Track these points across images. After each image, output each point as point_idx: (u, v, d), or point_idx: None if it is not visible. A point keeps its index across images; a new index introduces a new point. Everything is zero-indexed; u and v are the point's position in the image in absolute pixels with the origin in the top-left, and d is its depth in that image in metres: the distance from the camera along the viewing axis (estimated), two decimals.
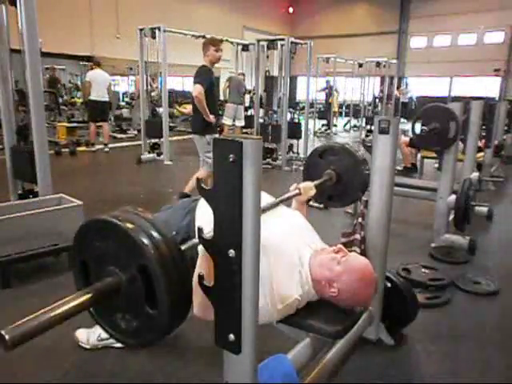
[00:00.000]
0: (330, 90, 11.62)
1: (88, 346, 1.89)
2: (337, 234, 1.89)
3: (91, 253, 0.94)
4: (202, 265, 1.08)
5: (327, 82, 12.06)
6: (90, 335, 1.89)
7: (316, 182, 1.77)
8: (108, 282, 0.87)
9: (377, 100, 12.65)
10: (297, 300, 1.34)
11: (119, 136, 9.44)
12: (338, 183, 1.90)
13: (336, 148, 1.96)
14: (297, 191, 1.69)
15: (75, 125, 9.12)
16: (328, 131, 11.47)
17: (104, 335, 1.87)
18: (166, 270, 0.84)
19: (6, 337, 0.68)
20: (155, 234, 0.86)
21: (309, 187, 1.72)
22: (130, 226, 0.86)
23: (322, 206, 2.07)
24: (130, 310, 0.91)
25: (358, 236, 1.80)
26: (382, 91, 12.63)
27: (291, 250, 1.41)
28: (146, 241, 0.84)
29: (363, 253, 1.77)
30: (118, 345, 1.90)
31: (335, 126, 12.02)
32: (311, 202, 1.79)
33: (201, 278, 0.94)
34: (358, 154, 1.92)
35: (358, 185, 1.89)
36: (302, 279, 1.37)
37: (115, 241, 0.88)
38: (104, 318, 0.96)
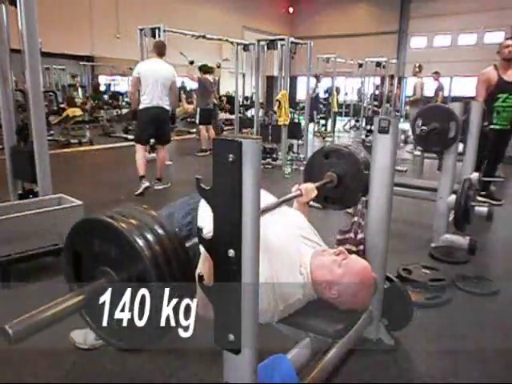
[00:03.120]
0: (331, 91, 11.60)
1: (86, 347, 1.88)
2: (336, 234, 1.89)
3: (85, 251, 0.92)
4: (204, 264, 1.08)
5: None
6: (87, 335, 1.87)
7: (317, 184, 1.77)
8: (101, 283, 0.86)
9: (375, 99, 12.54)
10: (298, 301, 1.35)
11: (123, 135, 9.46)
12: (338, 186, 1.89)
13: (338, 150, 1.94)
14: (298, 192, 1.69)
15: None
16: (328, 131, 11.47)
17: None
18: (162, 276, 0.81)
19: (10, 331, 0.68)
20: (153, 235, 0.83)
21: (310, 189, 1.71)
22: (126, 226, 0.82)
23: (321, 206, 2.06)
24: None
25: (352, 234, 1.80)
26: (377, 88, 12.55)
27: (292, 251, 1.42)
28: (141, 243, 0.80)
29: (358, 251, 1.77)
30: None
31: (334, 126, 12.00)
32: (311, 202, 1.79)
33: (200, 277, 0.94)
34: (361, 157, 1.90)
35: (359, 188, 1.88)
36: (303, 280, 1.38)
37: (110, 241, 0.85)
38: (93, 318, 0.94)
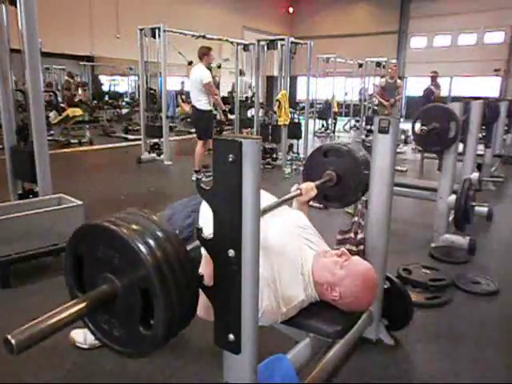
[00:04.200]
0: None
1: (86, 346, 1.88)
2: (336, 234, 1.89)
3: (87, 257, 0.90)
4: (205, 265, 1.08)
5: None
6: (87, 335, 1.88)
7: (317, 183, 1.77)
8: (103, 290, 0.84)
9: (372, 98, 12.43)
10: (300, 302, 1.35)
11: (123, 135, 9.47)
12: (337, 184, 1.89)
13: (337, 148, 1.94)
14: (298, 192, 1.69)
15: None
16: (328, 131, 11.47)
17: None
18: (165, 284, 0.80)
19: (13, 341, 0.67)
20: (155, 241, 0.81)
21: (310, 188, 1.71)
22: (128, 232, 0.81)
23: (321, 206, 2.06)
24: (124, 321, 0.88)
25: (352, 234, 1.80)
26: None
27: (294, 252, 1.42)
28: (144, 249, 0.79)
29: (359, 251, 1.77)
30: None
31: (334, 125, 11.99)
32: (311, 202, 1.79)
33: (200, 277, 0.94)
34: (360, 155, 1.90)
35: (358, 186, 1.88)
36: (304, 281, 1.38)
37: (112, 248, 0.84)
38: (96, 324, 0.93)
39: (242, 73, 7.89)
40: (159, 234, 0.83)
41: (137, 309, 0.83)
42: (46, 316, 0.73)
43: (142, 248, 0.79)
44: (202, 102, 5.28)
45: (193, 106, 5.50)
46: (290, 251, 1.41)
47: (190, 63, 7.22)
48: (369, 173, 1.79)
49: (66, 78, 11.54)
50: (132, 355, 0.90)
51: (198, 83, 5.21)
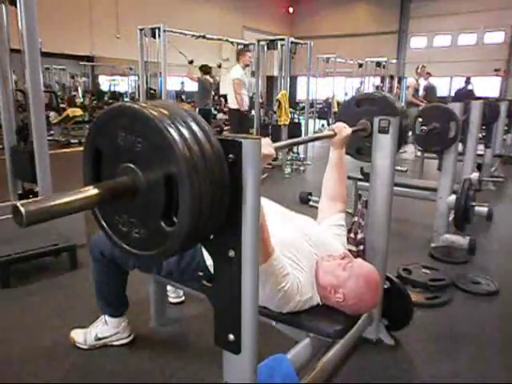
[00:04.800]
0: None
1: (86, 346, 1.88)
2: None
3: (108, 147, 0.80)
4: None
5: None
6: (87, 335, 1.88)
7: (351, 130, 1.71)
8: (123, 180, 0.75)
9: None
10: (309, 299, 1.38)
11: None
12: (371, 135, 1.77)
13: (374, 97, 1.85)
14: (331, 132, 1.66)
15: None
16: None
17: (101, 334, 1.87)
18: (194, 171, 0.71)
19: (23, 210, 0.61)
20: (186, 126, 0.72)
21: (342, 126, 1.67)
22: (157, 114, 0.71)
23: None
24: (144, 218, 0.79)
25: (352, 235, 1.80)
26: (378, 88, 12.51)
27: (308, 250, 1.46)
28: (178, 139, 0.70)
29: (359, 251, 1.77)
30: (116, 343, 1.90)
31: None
32: (312, 203, 1.79)
33: (200, 278, 0.95)
34: (398, 105, 1.81)
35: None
36: (312, 282, 1.41)
37: (137, 132, 0.75)
38: (113, 227, 0.84)
39: (254, 74, 7.80)
40: (190, 119, 0.75)
41: (160, 202, 0.75)
42: (57, 194, 0.68)
43: (172, 130, 0.71)
44: (234, 102, 5.50)
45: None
46: (305, 248, 1.44)
47: (191, 62, 7.23)
48: (408, 124, 1.69)
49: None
50: (152, 257, 0.82)
51: (229, 83, 5.51)
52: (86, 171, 0.84)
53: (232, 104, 5.52)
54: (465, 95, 8.55)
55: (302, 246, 1.45)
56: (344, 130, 1.67)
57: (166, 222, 0.76)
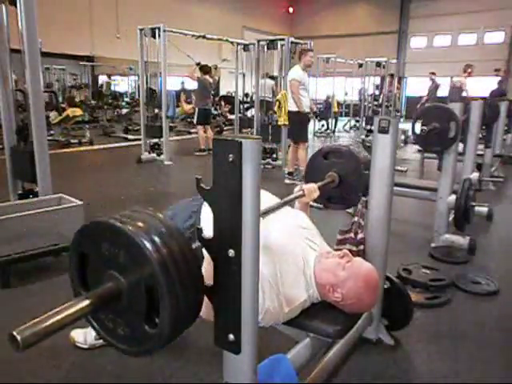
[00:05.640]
0: None
1: (86, 346, 1.88)
2: (336, 234, 1.89)
3: (92, 254, 0.89)
4: (206, 264, 1.08)
5: None
6: (87, 335, 1.88)
7: (319, 184, 1.77)
8: (109, 287, 0.83)
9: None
10: (302, 303, 1.35)
11: (123, 135, 9.48)
12: (340, 185, 1.89)
13: (339, 150, 1.94)
14: (301, 192, 1.69)
15: None
16: (328, 131, 11.47)
17: None
18: (171, 281, 0.79)
19: (19, 337, 0.66)
20: (160, 238, 0.80)
21: (313, 189, 1.71)
22: (133, 229, 0.80)
23: (321, 206, 2.06)
24: (129, 320, 0.87)
25: (352, 234, 1.80)
26: (377, 88, 12.48)
27: (296, 252, 1.42)
28: (149, 246, 0.78)
29: (359, 251, 1.77)
30: None
31: (335, 125, 12.00)
32: (311, 202, 1.79)
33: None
34: (362, 157, 1.90)
35: (360, 187, 1.87)
36: (306, 282, 1.39)
37: (118, 245, 0.83)
38: (100, 322, 0.91)
39: (267, 75, 7.65)
40: (164, 230, 0.83)
41: (142, 307, 0.82)
42: (51, 313, 0.72)
43: (148, 245, 0.78)
44: (293, 104, 5.34)
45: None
46: (292, 251, 1.41)
47: (198, 64, 7.25)
48: (369, 173, 1.79)
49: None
50: (137, 354, 0.89)
51: (288, 85, 5.37)
52: (74, 276, 0.92)
53: (291, 106, 5.38)
54: (498, 95, 8.63)
55: (295, 250, 1.42)
56: (314, 193, 1.71)
57: (148, 325, 0.83)
